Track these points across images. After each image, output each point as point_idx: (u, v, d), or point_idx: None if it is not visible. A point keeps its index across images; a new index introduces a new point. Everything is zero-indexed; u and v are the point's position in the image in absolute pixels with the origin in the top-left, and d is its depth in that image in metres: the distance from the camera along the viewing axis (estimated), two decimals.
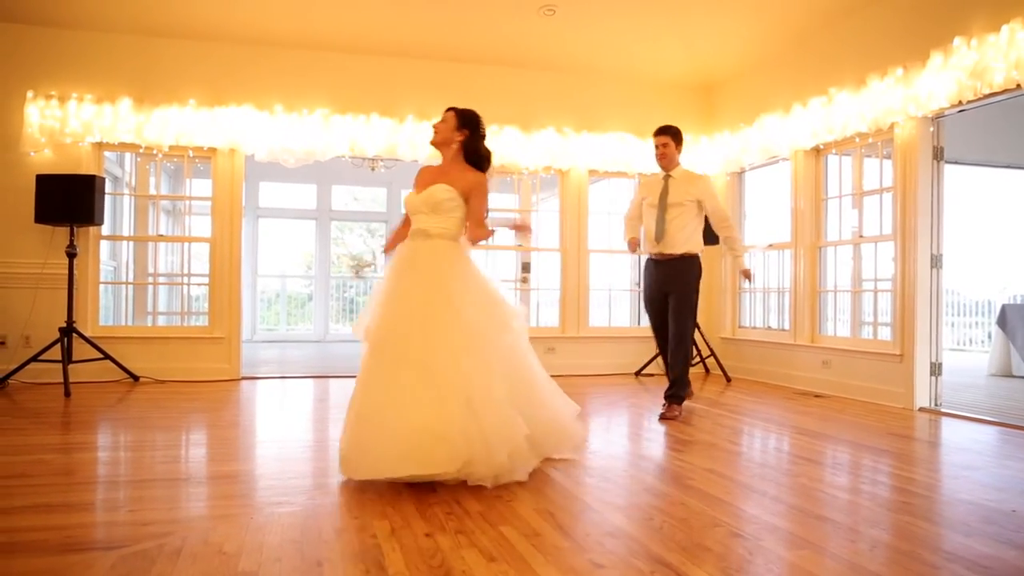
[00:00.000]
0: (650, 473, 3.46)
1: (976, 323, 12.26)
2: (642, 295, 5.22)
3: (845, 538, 2.49)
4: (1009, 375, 7.68)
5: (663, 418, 4.81)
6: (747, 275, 5.13)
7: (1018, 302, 8.59)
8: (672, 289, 4.90)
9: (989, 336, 11.78)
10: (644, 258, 5.26)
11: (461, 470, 2.99)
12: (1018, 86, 4.51)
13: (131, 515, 2.66)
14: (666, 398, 4.95)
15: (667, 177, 5.01)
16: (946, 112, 5.12)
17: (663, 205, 4.90)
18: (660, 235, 4.89)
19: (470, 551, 2.29)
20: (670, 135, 5.03)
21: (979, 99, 4.78)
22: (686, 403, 5.17)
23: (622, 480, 3.32)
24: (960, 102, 4.89)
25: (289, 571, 2.11)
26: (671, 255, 4.89)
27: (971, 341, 12.10)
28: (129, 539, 2.36)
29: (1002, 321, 7.87)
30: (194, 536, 2.39)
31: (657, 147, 5.04)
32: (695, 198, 4.92)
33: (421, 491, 2.97)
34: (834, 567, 2.20)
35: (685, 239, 4.88)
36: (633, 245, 5.24)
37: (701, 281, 5.01)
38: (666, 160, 5.01)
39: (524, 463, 3.15)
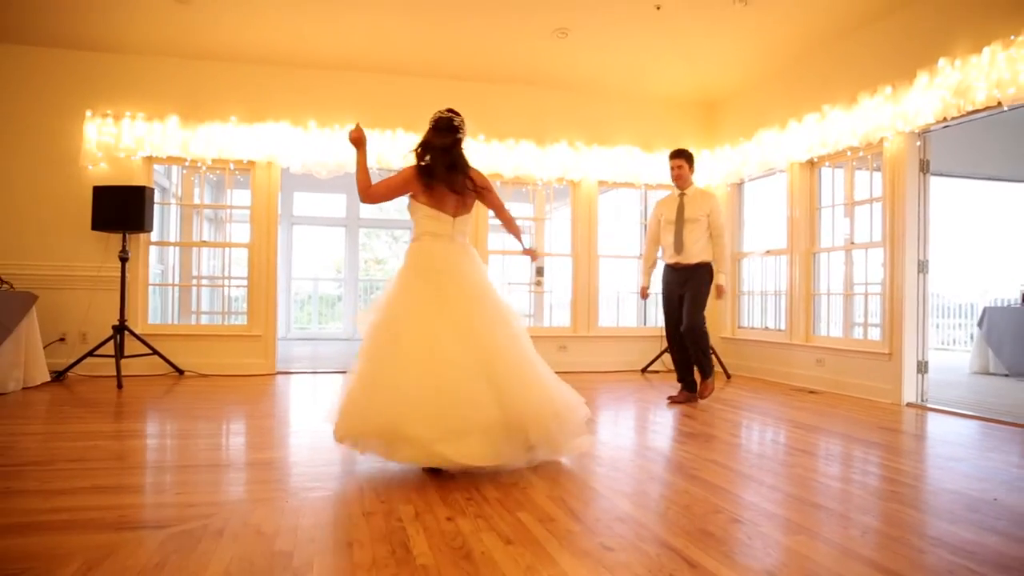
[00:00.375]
0: (656, 463, 3.44)
1: (959, 324, 12.13)
2: (661, 297, 5.38)
3: (838, 524, 2.47)
4: (987, 373, 7.59)
5: (701, 396, 5.15)
6: (720, 291, 5.20)
7: (999, 305, 8.48)
8: (687, 290, 5.10)
9: (971, 337, 11.67)
10: (661, 264, 5.45)
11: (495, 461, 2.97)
12: (999, 104, 4.46)
13: (177, 497, 2.68)
14: (701, 379, 5.16)
15: (682, 195, 5.22)
16: (932, 128, 5.07)
17: (680, 220, 5.14)
18: (679, 248, 5.14)
19: (489, 535, 2.29)
20: (684, 158, 5.24)
21: (962, 116, 4.74)
22: (703, 401, 5.23)
23: (630, 469, 3.31)
24: (945, 118, 4.84)
25: (322, 551, 2.13)
26: (688, 264, 5.12)
27: (954, 341, 11.97)
28: (176, 519, 2.39)
29: (982, 323, 7.78)
30: (235, 518, 2.41)
31: (672, 168, 5.25)
32: (706, 213, 5.15)
33: (442, 478, 2.97)
34: (827, 551, 2.18)
35: (700, 250, 5.12)
36: (644, 293, 5.56)
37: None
38: (681, 180, 5.23)
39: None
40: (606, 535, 2.30)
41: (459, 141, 3.43)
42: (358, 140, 3.50)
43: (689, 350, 5.14)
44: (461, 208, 3.41)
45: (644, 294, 5.55)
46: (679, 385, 5.30)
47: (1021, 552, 2.22)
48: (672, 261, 5.21)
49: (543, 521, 2.43)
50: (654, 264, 5.48)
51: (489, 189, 3.55)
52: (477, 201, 3.52)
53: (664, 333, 5.46)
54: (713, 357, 7.07)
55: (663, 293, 5.33)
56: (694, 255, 5.11)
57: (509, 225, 3.80)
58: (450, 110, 3.46)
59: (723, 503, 2.69)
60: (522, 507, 2.60)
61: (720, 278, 5.19)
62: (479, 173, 3.52)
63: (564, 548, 2.18)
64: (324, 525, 2.36)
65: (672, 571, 2.00)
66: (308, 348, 10.00)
